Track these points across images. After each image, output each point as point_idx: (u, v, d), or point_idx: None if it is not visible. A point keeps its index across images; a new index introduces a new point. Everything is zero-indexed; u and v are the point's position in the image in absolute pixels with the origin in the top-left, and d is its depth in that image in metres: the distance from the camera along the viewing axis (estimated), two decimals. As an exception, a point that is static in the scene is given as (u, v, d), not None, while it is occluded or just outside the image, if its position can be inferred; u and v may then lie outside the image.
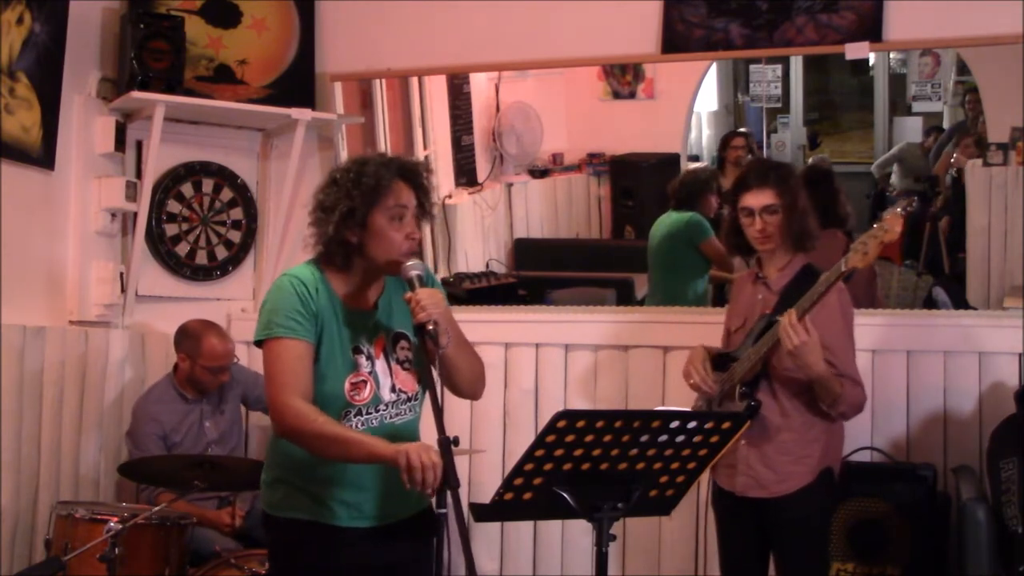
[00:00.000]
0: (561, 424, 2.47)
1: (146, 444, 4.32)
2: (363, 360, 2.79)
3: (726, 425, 2.64)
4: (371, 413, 2.79)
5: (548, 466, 2.51)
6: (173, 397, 4.44)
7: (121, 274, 4.77)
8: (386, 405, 2.81)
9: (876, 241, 3.09)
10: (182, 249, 4.97)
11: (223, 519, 4.23)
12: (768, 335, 3.34)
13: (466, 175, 7.09)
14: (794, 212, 3.45)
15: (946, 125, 8.66)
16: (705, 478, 3.44)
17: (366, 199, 2.74)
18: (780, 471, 3.41)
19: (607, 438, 2.51)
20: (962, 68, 8.18)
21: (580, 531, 4.30)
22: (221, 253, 5.06)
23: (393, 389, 2.83)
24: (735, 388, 3.44)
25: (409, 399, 2.86)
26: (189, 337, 4.42)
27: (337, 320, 2.78)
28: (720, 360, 3.57)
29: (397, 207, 2.76)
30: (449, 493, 2.54)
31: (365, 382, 2.79)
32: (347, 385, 2.77)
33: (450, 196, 6.78)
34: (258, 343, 2.78)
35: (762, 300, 3.51)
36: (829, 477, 3.45)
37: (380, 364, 2.82)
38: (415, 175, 2.82)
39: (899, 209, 3.08)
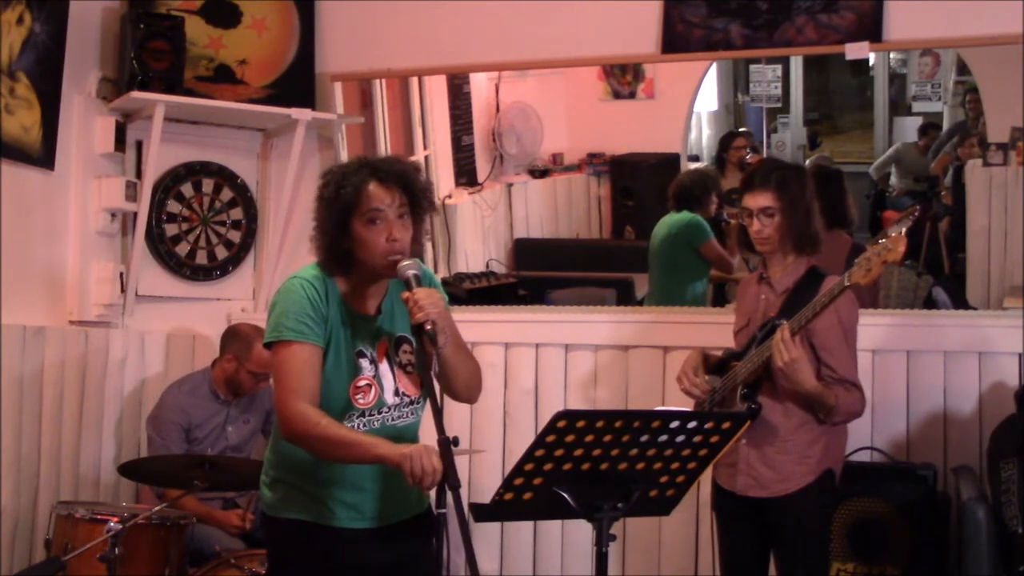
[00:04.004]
0: (561, 424, 2.47)
1: (168, 431, 4.31)
2: (366, 364, 2.79)
3: (726, 425, 2.64)
4: (374, 415, 2.79)
5: (548, 466, 2.51)
6: (206, 393, 4.44)
7: (121, 274, 4.76)
8: (389, 408, 2.81)
9: (879, 259, 3.07)
10: (182, 249, 4.97)
11: (232, 520, 4.23)
12: (771, 339, 3.33)
13: (466, 175, 7.09)
14: (794, 216, 3.43)
15: (946, 125, 8.68)
16: (705, 477, 3.44)
17: (342, 209, 2.73)
18: (780, 471, 3.40)
19: (607, 438, 2.51)
20: (962, 68, 8.19)
21: (580, 531, 4.30)
22: (221, 253, 5.06)
23: (396, 392, 2.83)
24: (737, 390, 3.44)
25: (411, 402, 2.86)
26: (240, 340, 4.40)
27: (343, 323, 2.78)
28: (721, 363, 3.57)
29: (371, 211, 2.73)
30: (449, 493, 2.54)
31: (369, 386, 2.79)
32: (351, 388, 2.77)
33: (450, 196, 6.79)
34: (267, 345, 2.78)
35: (765, 301, 3.51)
36: (830, 478, 3.45)
37: (383, 368, 2.82)
38: (390, 174, 2.76)
39: (903, 228, 3.06)
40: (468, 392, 2.92)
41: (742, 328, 3.59)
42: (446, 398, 2.92)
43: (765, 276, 3.54)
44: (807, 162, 8.89)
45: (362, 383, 2.78)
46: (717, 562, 3.61)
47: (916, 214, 3.15)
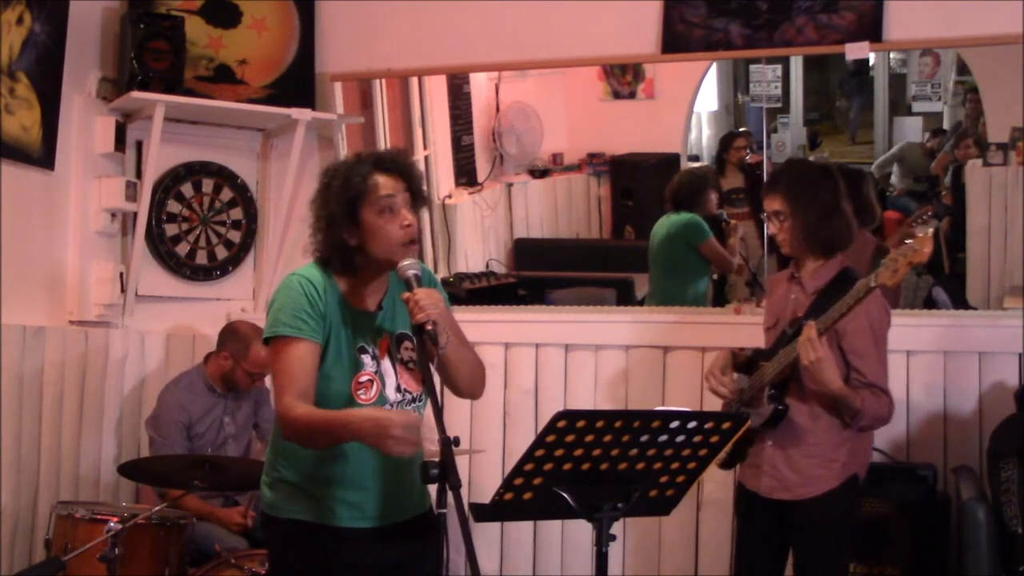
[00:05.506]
0: (561, 424, 2.47)
1: (169, 431, 4.32)
2: (368, 360, 2.79)
3: (726, 425, 2.63)
4: (376, 412, 2.79)
5: (548, 466, 2.51)
6: (202, 389, 4.45)
7: (121, 274, 4.77)
8: (391, 405, 2.81)
9: (906, 260, 3.03)
10: (182, 249, 4.97)
11: (234, 518, 4.23)
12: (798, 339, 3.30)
13: (466, 175, 7.09)
14: (806, 218, 3.39)
15: (946, 125, 8.68)
16: (726, 480, 3.43)
17: (350, 200, 2.74)
18: (805, 474, 3.36)
19: (607, 438, 2.51)
20: (962, 68, 8.19)
21: (580, 531, 4.30)
22: (221, 253, 5.06)
23: (398, 389, 2.83)
24: (764, 390, 3.40)
25: (414, 399, 2.86)
26: (239, 340, 4.41)
27: (343, 320, 2.78)
28: (748, 362, 3.51)
29: (384, 198, 2.74)
30: (450, 493, 2.54)
31: (371, 381, 2.79)
32: (353, 384, 2.77)
33: (450, 196, 6.78)
34: (265, 341, 2.78)
35: (795, 300, 3.46)
36: (854, 483, 3.40)
37: (385, 364, 2.82)
38: (394, 164, 2.79)
39: (930, 229, 3.03)
40: (471, 388, 2.93)
41: (771, 327, 3.55)
42: (448, 396, 2.92)
43: (796, 276, 3.49)
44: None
45: (364, 379, 2.78)
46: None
47: (931, 214, 3.13)
